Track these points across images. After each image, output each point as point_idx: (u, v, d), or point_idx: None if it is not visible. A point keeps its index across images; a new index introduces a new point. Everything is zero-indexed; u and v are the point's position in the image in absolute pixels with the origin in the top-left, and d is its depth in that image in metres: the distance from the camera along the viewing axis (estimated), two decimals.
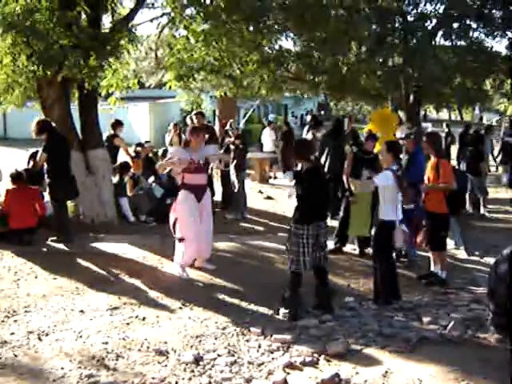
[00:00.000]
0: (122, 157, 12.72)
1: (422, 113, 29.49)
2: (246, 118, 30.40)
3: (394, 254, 7.33)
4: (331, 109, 48.85)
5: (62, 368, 5.06)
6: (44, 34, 8.48)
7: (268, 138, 19.59)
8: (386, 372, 4.92)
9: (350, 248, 9.33)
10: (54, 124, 9.60)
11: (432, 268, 7.86)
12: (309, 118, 19.52)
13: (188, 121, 13.74)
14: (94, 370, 5.02)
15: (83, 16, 9.36)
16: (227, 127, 12.27)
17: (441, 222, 7.70)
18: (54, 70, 9.06)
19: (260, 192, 15.00)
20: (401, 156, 7.85)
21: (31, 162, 11.13)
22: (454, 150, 20.00)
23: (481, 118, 57.83)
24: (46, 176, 9.61)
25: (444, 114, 58.76)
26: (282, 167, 19.04)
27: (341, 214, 9.37)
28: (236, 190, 11.95)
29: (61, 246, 9.29)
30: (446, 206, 7.61)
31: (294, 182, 6.66)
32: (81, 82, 9.74)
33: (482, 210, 13.58)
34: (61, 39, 8.53)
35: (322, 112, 47.77)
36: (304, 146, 6.92)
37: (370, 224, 8.18)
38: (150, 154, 13.39)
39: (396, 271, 7.12)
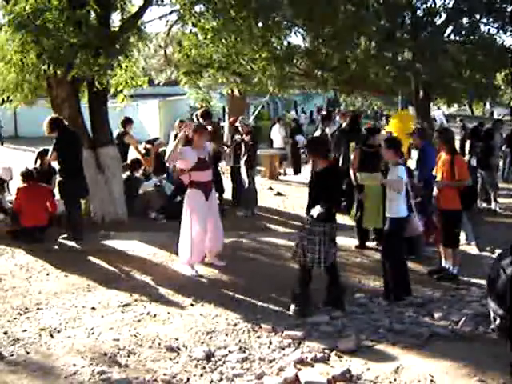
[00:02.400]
0: (133, 154, 12.75)
1: (435, 108, 29.30)
2: (255, 114, 30.35)
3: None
4: (340, 104, 48.70)
5: (74, 365, 5.09)
6: (54, 33, 8.51)
7: (278, 134, 19.59)
8: (398, 368, 4.92)
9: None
10: (66, 122, 9.63)
11: (443, 263, 7.84)
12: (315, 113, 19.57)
13: (194, 118, 13.77)
14: (106, 367, 5.05)
15: (92, 14, 9.35)
16: (237, 123, 12.25)
17: (454, 218, 7.68)
18: (64, 68, 9.08)
19: (270, 188, 14.99)
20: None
21: (39, 161, 11.18)
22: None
23: (491, 113, 57.56)
24: (58, 174, 9.66)
25: (455, 110, 58.54)
26: (292, 163, 19.08)
27: (355, 210, 9.33)
28: (246, 187, 11.95)
29: (72, 243, 9.33)
30: (459, 201, 7.59)
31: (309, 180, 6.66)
32: (91, 80, 9.76)
33: (492, 205, 13.51)
34: (71, 38, 8.55)
35: (331, 108, 47.71)
36: (317, 144, 6.90)
37: (383, 216, 8.14)
38: (160, 151, 13.40)
39: (407, 267, 7.11)
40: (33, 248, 9.00)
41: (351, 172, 9.24)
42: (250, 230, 10.47)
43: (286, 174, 18.57)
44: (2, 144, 28.87)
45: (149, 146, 13.09)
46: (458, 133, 22.81)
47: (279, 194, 14.41)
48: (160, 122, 31.91)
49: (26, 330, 5.93)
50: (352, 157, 9.64)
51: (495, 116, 48.78)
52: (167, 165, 12.09)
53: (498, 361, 4.97)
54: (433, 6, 14.52)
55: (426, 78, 14.07)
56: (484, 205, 13.57)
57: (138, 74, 11.06)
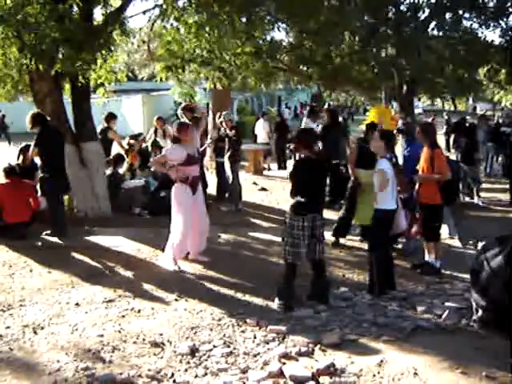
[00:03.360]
0: (116, 149, 12.70)
1: (417, 103, 29.50)
2: (234, 109, 30.31)
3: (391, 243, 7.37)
4: (325, 100, 48.80)
5: (58, 361, 5.06)
6: (36, 28, 8.42)
7: (262, 129, 19.59)
8: (381, 361, 4.95)
9: (346, 239, 9.31)
10: (48, 118, 9.56)
11: (426, 257, 7.89)
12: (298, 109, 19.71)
13: (179, 114, 13.74)
14: (90, 363, 5.02)
15: (75, 9, 9.28)
16: (220, 119, 12.24)
17: (434, 212, 7.74)
18: (46, 63, 9.01)
19: (254, 183, 15.00)
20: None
21: (21, 157, 11.10)
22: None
23: (474, 108, 57.95)
24: (40, 170, 9.59)
25: (438, 104, 58.86)
26: (276, 158, 19.10)
27: (344, 204, 9.31)
28: (230, 182, 11.96)
29: (55, 239, 9.27)
30: (440, 196, 7.64)
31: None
32: (74, 75, 9.68)
33: (475, 200, 13.63)
34: (53, 32, 8.47)
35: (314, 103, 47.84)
36: (305, 135, 6.86)
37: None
38: (144, 146, 13.37)
39: (392, 261, 7.15)
40: (16, 244, 8.93)
41: (349, 167, 9.18)
42: (234, 225, 10.48)
43: (270, 169, 18.58)
44: (10, 143, 28.07)
45: (132, 141, 13.03)
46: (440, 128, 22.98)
47: (263, 189, 14.42)
48: (144, 117, 31.81)
49: (9, 327, 5.88)
50: (348, 152, 9.62)
51: (478, 111, 49.12)
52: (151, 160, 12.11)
53: (480, 353, 5.03)
54: (416, 1, 14.59)
55: (409, 73, 14.14)
56: (467, 199, 13.70)
57: (117, 68, 11.01)
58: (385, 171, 6.83)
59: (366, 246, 7.81)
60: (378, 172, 6.90)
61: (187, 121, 9.49)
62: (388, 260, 7.02)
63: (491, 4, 14.48)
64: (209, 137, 14.59)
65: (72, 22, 8.66)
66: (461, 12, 14.29)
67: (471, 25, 14.69)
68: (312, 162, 6.47)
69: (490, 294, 2.68)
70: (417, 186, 7.88)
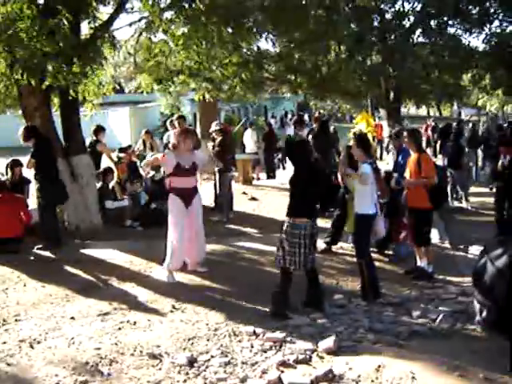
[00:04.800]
0: (105, 162, 12.69)
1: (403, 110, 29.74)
2: (222, 120, 30.35)
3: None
4: (311, 108, 49.03)
5: (56, 375, 5.04)
6: (27, 43, 8.43)
7: (250, 139, 19.64)
8: (379, 366, 4.97)
9: (337, 247, 9.35)
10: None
11: (418, 263, 7.94)
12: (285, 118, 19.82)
13: (168, 125, 13.75)
14: (89, 376, 5.01)
15: (64, 23, 9.29)
16: (211, 129, 12.28)
17: (423, 217, 7.80)
18: (37, 77, 9.01)
19: (244, 193, 15.01)
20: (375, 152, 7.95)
21: (9, 172, 11.09)
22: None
23: (459, 114, 58.33)
24: (34, 181, 9.59)
25: (423, 111, 59.25)
26: (265, 168, 19.15)
27: (336, 211, 9.36)
28: (219, 192, 12.00)
29: (47, 253, 9.25)
30: (429, 200, 7.71)
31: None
32: (64, 88, 9.67)
33: (464, 204, 13.73)
34: (44, 47, 8.48)
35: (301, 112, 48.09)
36: (300, 147, 6.89)
37: None
38: (134, 159, 13.35)
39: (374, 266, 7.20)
40: (8, 259, 8.88)
41: (339, 173, 9.18)
42: (225, 235, 10.50)
43: (259, 178, 18.62)
44: None
45: (122, 154, 13.00)
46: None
47: (253, 198, 14.44)
48: (131, 129, 31.81)
49: (5, 342, 5.85)
50: (341, 157, 9.62)
51: (463, 116, 49.46)
52: (141, 172, 12.12)
53: (478, 356, 5.07)
54: (401, 9, 14.73)
55: (395, 80, 14.27)
56: (456, 203, 13.79)
57: (104, 82, 11.02)
58: (366, 174, 6.90)
59: None
60: (359, 175, 7.01)
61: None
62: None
63: (475, 11, 14.62)
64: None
65: (62, 36, 8.67)
66: (445, 19, 14.45)
67: (455, 31, 14.86)
68: (311, 170, 6.52)
69: (494, 294, 2.72)
70: (405, 191, 7.96)
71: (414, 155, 7.92)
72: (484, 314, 2.81)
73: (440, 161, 16.96)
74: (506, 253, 2.97)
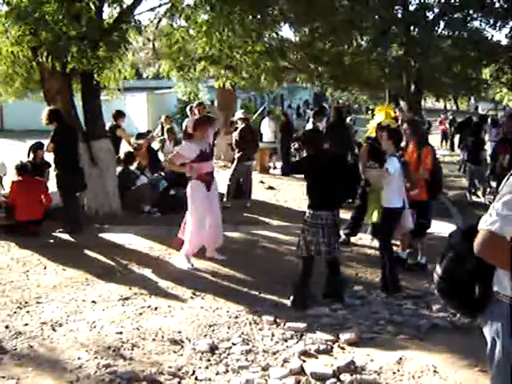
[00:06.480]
0: (125, 147, 12.73)
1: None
2: (238, 107, 30.32)
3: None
4: (327, 98, 48.78)
5: (79, 358, 5.08)
6: (53, 26, 8.45)
7: (267, 128, 19.58)
8: (400, 359, 4.98)
9: (357, 238, 9.33)
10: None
11: (419, 257, 7.96)
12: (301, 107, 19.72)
13: (188, 112, 13.76)
14: (111, 360, 5.05)
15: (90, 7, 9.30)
16: (234, 118, 12.30)
17: (421, 208, 7.75)
18: (61, 61, 9.03)
19: (261, 182, 15.03)
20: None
21: (31, 154, 11.16)
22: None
23: (476, 108, 57.93)
24: (54, 167, 9.62)
25: (440, 104, 58.82)
26: (282, 157, 19.09)
27: (357, 202, 9.34)
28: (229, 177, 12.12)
29: (67, 237, 9.31)
30: (426, 193, 7.69)
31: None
32: (88, 73, 9.68)
33: (482, 199, 13.65)
34: (69, 31, 8.50)
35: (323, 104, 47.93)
36: (312, 135, 6.93)
37: None
38: (153, 144, 13.38)
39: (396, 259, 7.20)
40: (28, 242, 8.95)
41: (360, 166, 9.16)
42: (243, 223, 10.51)
43: (275, 167, 18.59)
44: None
45: (140, 141, 12.99)
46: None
47: (270, 187, 14.46)
48: (148, 114, 31.84)
49: (27, 324, 5.90)
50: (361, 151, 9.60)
51: (480, 111, 49.12)
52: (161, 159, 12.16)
53: None
54: (426, 1, 14.63)
55: (417, 72, 14.18)
56: (474, 198, 13.72)
57: (124, 67, 11.04)
58: (390, 170, 6.87)
59: (377, 244, 7.84)
60: (384, 170, 6.97)
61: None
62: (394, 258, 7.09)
63: (499, 4, 14.49)
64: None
65: (88, 20, 8.69)
66: (469, 12, 14.32)
67: (480, 24, 14.75)
68: (316, 159, 6.51)
69: (443, 262, 2.86)
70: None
71: (411, 147, 7.87)
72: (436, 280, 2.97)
73: (458, 156, 16.85)
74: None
